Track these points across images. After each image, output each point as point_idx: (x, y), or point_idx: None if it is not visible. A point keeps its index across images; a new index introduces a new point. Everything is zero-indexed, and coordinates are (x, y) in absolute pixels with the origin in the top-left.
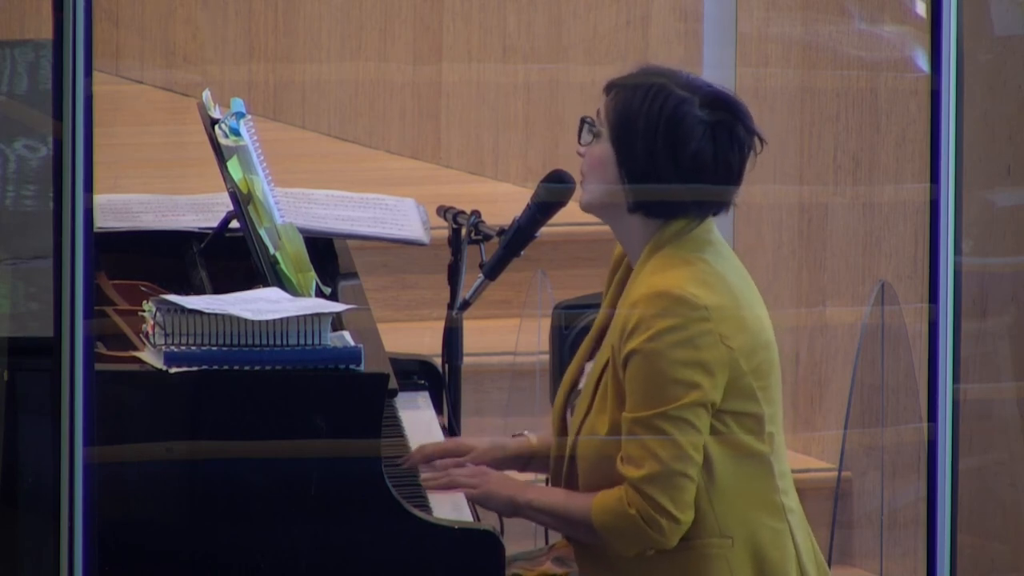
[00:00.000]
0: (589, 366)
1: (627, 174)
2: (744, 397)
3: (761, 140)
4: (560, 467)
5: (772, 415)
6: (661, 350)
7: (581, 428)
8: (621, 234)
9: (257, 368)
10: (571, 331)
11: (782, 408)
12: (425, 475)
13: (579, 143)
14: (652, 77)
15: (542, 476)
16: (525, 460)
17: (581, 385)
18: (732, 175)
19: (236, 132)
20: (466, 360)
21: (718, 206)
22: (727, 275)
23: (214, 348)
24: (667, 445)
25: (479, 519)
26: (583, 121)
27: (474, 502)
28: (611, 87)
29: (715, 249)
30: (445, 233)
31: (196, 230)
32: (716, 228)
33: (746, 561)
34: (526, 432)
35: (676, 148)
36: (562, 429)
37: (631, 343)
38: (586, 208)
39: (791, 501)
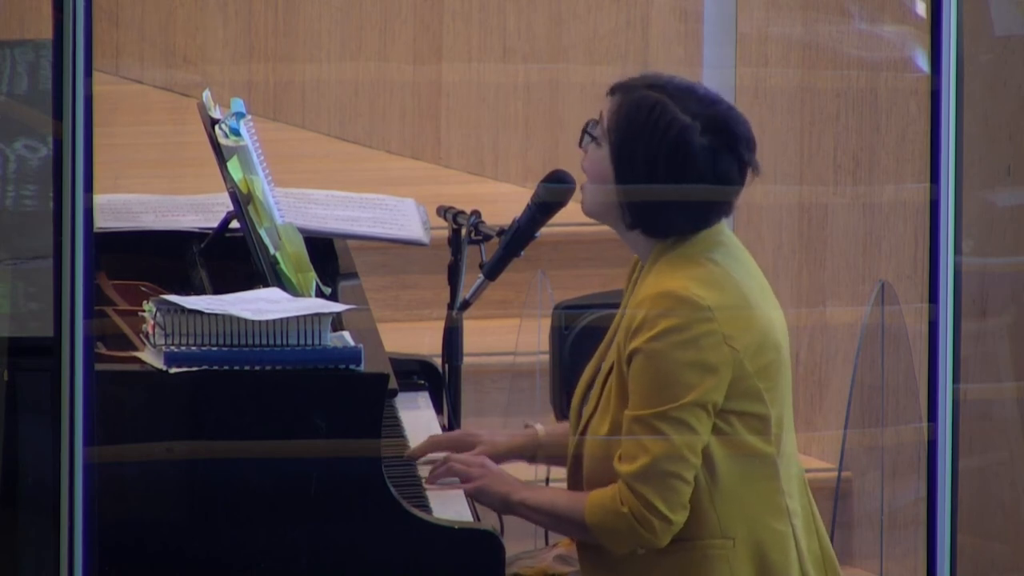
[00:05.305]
0: (603, 366)
1: (626, 193)
2: (749, 398)
3: (756, 168)
4: (571, 465)
5: (779, 417)
6: (663, 350)
7: (587, 427)
8: (625, 239)
9: (257, 368)
10: (571, 331)
11: (791, 411)
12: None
13: (579, 146)
14: (655, 93)
15: (552, 468)
16: (532, 452)
17: (596, 382)
18: (730, 195)
19: (236, 132)
20: (466, 360)
21: (717, 217)
22: (736, 275)
23: (214, 348)
24: (662, 445)
25: (479, 519)
26: (584, 129)
27: (469, 496)
28: (614, 93)
29: (726, 250)
30: (445, 233)
31: (196, 230)
32: (728, 229)
33: (747, 562)
34: (536, 424)
35: (676, 175)
36: (577, 426)
37: (634, 342)
38: (588, 214)
39: (796, 504)
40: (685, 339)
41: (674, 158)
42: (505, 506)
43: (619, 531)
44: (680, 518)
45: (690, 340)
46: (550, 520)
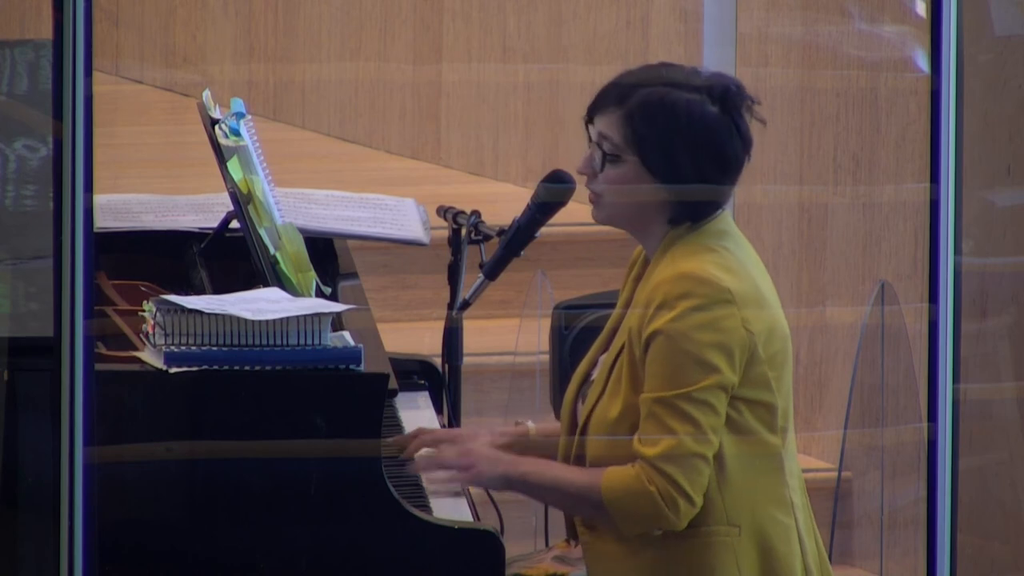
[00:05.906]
0: (603, 358)
1: (674, 194)
2: (759, 385)
3: (759, 118)
4: (568, 458)
5: (784, 409)
6: (685, 331)
7: (592, 414)
8: (642, 234)
9: (257, 368)
10: (571, 331)
11: (793, 407)
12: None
13: (599, 170)
14: (657, 88)
15: None
16: (522, 450)
17: (594, 376)
18: (751, 153)
19: (236, 132)
20: (466, 360)
21: (737, 178)
22: (747, 264)
23: (214, 348)
24: (688, 426)
25: (479, 519)
26: (604, 152)
27: (467, 484)
28: (607, 106)
29: (733, 239)
30: (445, 233)
31: (196, 230)
32: (731, 220)
33: (752, 551)
34: (527, 422)
35: (713, 152)
36: (572, 422)
37: (655, 323)
38: (605, 222)
39: (799, 499)
40: (706, 320)
41: (706, 137)
42: (507, 484)
43: (640, 511)
44: (701, 501)
45: (711, 321)
46: (557, 496)
